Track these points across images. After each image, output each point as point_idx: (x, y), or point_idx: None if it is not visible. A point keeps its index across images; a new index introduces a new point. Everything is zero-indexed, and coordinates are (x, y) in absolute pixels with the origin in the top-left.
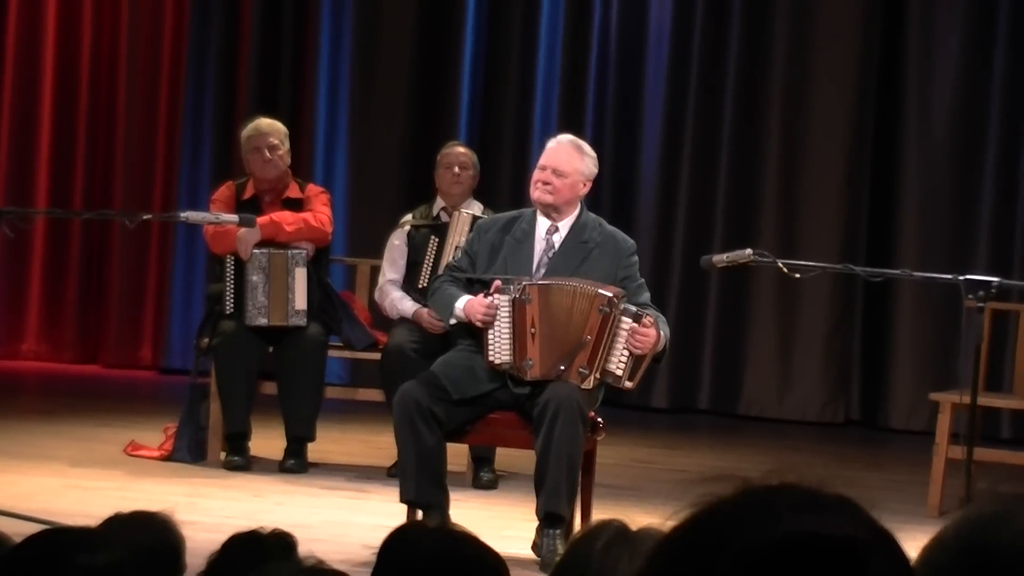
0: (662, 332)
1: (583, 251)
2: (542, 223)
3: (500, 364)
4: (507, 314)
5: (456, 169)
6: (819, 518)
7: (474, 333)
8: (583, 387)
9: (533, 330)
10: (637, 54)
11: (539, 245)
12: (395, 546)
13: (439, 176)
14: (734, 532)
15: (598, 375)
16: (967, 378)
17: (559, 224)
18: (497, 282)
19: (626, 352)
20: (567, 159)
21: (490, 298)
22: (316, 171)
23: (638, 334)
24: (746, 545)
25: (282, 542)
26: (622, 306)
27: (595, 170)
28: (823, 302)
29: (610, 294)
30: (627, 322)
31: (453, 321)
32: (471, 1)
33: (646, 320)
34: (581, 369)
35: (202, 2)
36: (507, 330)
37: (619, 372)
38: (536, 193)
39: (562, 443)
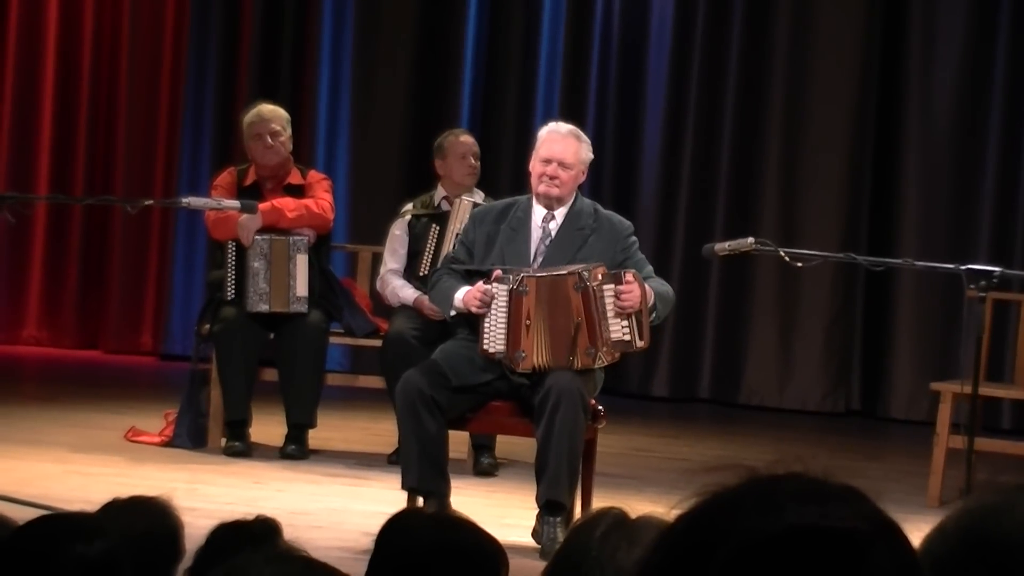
0: (653, 287)
1: (580, 238)
2: (538, 211)
3: (494, 353)
4: (504, 304)
5: (472, 160)
6: (822, 509)
7: (473, 324)
8: (596, 366)
9: (528, 322)
10: (639, 42)
11: (536, 233)
12: (393, 533)
13: (450, 166)
14: (737, 522)
15: (607, 349)
16: (968, 368)
17: (555, 212)
18: (497, 271)
19: (622, 316)
20: (571, 151)
21: (488, 286)
22: (318, 157)
23: (621, 294)
24: (748, 535)
25: (266, 528)
26: (599, 275)
27: (591, 156)
28: (824, 291)
29: (579, 270)
30: (608, 288)
31: (453, 313)
32: None
33: (626, 277)
34: (589, 350)
35: None
36: (503, 320)
37: (626, 337)
38: (542, 188)
39: (563, 431)
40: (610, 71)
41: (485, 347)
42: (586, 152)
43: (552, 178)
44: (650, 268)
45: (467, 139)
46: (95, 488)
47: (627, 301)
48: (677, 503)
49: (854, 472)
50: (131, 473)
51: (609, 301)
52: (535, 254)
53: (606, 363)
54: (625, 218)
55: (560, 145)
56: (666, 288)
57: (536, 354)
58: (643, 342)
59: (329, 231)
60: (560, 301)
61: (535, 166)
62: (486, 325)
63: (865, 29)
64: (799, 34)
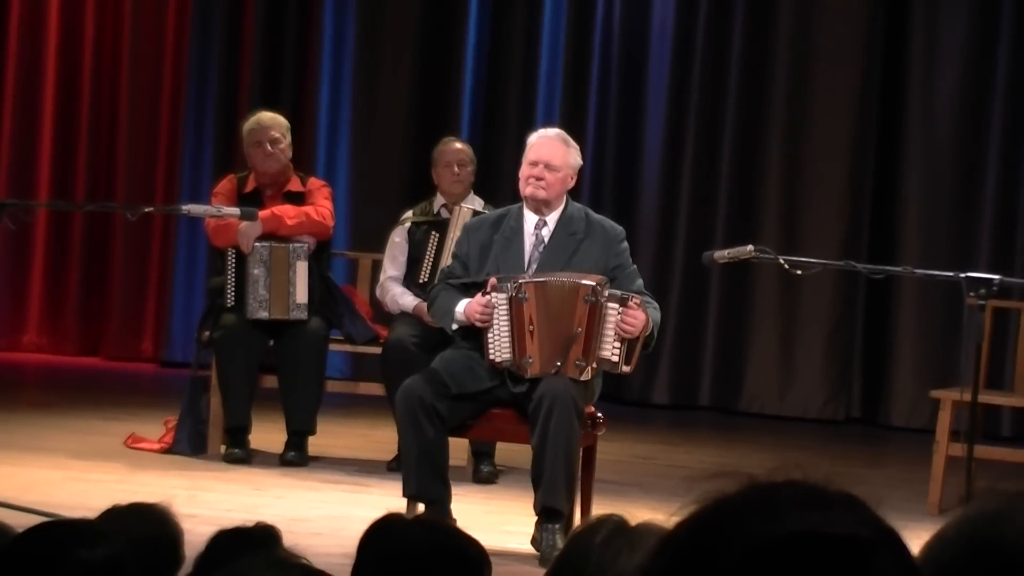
0: (650, 314)
1: (572, 243)
2: (530, 218)
3: (501, 362)
4: (505, 312)
5: (456, 168)
6: (824, 516)
7: (473, 334)
8: (581, 379)
9: (531, 328)
10: (640, 48)
11: (529, 241)
12: (375, 538)
13: (438, 174)
14: (738, 529)
15: (594, 365)
16: (968, 375)
17: (547, 218)
18: (493, 280)
19: (617, 337)
20: (558, 153)
21: (487, 297)
22: (318, 164)
23: (626, 317)
24: (750, 542)
25: (266, 535)
26: (607, 292)
27: (580, 161)
28: (824, 299)
29: (593, 283)
30: (614, 307)
31: (455, 327)
32: None
33: (632, 302)
34: (577, 362)
35: None
36: (506, 328)
37: (614, 358)
38: (529, 189)
39: (558, 438)
40: (611, 78)
41: (492, 357)
42: (574, 157)
43: (539, 179)
44: (640, 282)
45: (454, 147)
46: (95, 494)
47: (630, 326)
48: (677, 510)
49: (854, 479)
50: (131, 480)
51: (611, 320)
52: (529, 261)
53: (589, 377)
54: (623, 224)
55: (547, 148)
56: (657, 315)
57: (543, 359)
58: (628, 368)
59: (329, 238)
60: (565, 308)
61: (523, 169)
62: (490, 335)
63: (866, 36)
64: (800, 41)
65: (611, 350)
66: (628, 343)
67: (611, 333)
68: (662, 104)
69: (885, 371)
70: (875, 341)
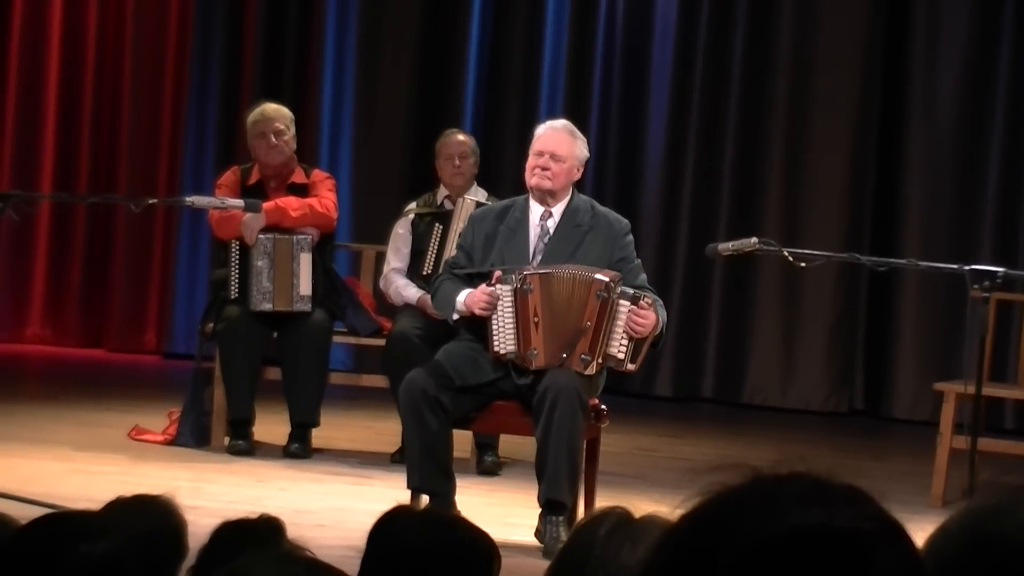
0: (660, 314)
1: (577, 235)
2: (535, 209)
3: (505, 354)
4: (510, 304)
5: (456, 161)
6: (826, 510)
7: (476, 326)
8: (586, 373)
9: (536, 319)
10: (643, 41)
11: (534, 232)
12: (384, 532)
13: (440, 167)
14: (741, 524)
15: (600, 360)
16: (971, 368)
17: (552, 209)
18: (498, 272)
19: (626, 335)
20: (564, 144)
21: (491, 287)
22: (321, 156)
23: (637, 316)
24: (753, 538)
25: (270, 527)
26: (619, 289)
27: (587, 154)
28: (828, 291)
29: (607, 279)
30: (625, 305)
31: (456, 317)
32: None
33: (643, 302)
34: (583, 356)
35: None
36: (511, 320)
37: (620, 356)
38: (534, 179)
39: (562, 430)
40: (613, 71)
41: (496, 349)
42: (581, 148)
43: (544, 169)
44: (644, 277)
45: (455, 139)
46: (98, 487)
47: (640, 326)
48: (681, 503)
49: (857, 472)
50: (134, 472)
51: (621, 317)
52: (534, 252)
53: (594, 372)
54: (627, 217)
55: (554, 139)
56: (664, 314)
57: (548, 351)
58: (633, 366)
59: (333, 230)
60: (574, 301)
61: (529, 160)
62: (494, 327)
63: (868, 33)
64: (802, 34)
65: (618, 347)
66: (636, 341)
67: (620, 330)
68: (664, 99)
69: (888, 364)
70: (878, 334)
